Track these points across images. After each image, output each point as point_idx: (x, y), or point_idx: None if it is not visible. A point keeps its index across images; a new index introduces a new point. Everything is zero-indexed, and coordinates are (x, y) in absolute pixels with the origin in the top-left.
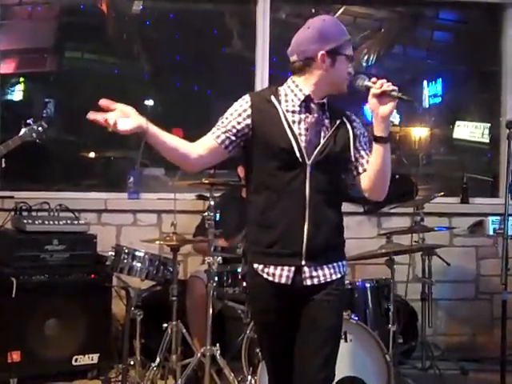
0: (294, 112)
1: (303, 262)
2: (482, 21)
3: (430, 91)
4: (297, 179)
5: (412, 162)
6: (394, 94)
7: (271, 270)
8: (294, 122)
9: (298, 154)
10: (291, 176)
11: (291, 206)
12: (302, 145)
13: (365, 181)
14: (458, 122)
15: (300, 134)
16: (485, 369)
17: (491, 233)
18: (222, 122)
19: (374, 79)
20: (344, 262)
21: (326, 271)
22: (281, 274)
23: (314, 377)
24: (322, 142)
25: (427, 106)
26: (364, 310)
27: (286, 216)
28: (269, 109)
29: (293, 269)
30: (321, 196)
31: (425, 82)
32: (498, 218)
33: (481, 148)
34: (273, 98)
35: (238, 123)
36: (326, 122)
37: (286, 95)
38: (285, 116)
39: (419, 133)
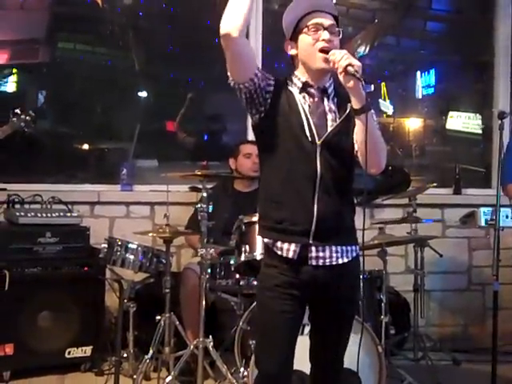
0: (302, 97)
1: (311, 241)
2: (475, 11)
3: (423, 82)
4: (308, 159)
5: (405, 153)
6: (351, 69)
7: (279, 244)
8: (304, 103)
9: (308, 134)
10: (303, 156)
11: (302, 185)
12: (313, 126)
13: (358, 156)
14: (450, 113)
15: (311, 116)
16: (477, 359)
17: (483, 224)
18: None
19: (332, 53)
20: (354, 247)
21: (334, 254)
22: (288, 248)
23: (334, 365)
24: (332, 125)
25: (420, 96)
26: None
27: (296, 194)
28: (286, 91)
29: (300, 245)
30: (331, 177)
31: (418, 73)
32: (490, 208)
33: (473, 139)
34: (289, 83)
35: (267, 85)
36: (333, 106)
37: (293, 83)
38: (299, 99)
39: (412, 124)
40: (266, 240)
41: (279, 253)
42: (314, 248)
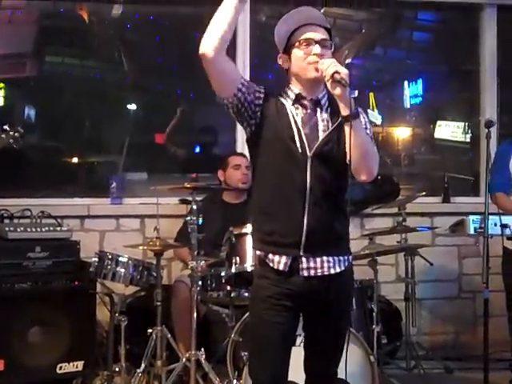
0: (295, 108)
1: (301, 253)
2: (461, 21)
3: (411, 91)
4: (299, 171)
5: (394, 162)
6: (337, 76)
7: (270, 256)
8: (297, 115)
9: (299, 146)
10: (293, 168)
11: (292, 196)
12: (304, 138)
13: (350, 163)
14: (439, 122)
15: (303, 128)
16: (469, 367)
17: (472, 232)
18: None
19: (321, 63)
20: (347, 257)
21: (325, 264)
22: (279, 260)
23: (327, 372)
24: (323, 135)
25: (408, 106)
26: None
27: (286, 206)
28: (277, 103)
29: (291, 257)
30: (322, 189)
31: (405, 83)
32: (479, 217)
33: (462, 147)
34: (282, 95)
35: (255, 98)
36: (326, 116)
37: (286, 95)
38: (290, 110)
39: (401, 133)
40: (258, 252)
41: (271, 264)
42: (304, 259)
